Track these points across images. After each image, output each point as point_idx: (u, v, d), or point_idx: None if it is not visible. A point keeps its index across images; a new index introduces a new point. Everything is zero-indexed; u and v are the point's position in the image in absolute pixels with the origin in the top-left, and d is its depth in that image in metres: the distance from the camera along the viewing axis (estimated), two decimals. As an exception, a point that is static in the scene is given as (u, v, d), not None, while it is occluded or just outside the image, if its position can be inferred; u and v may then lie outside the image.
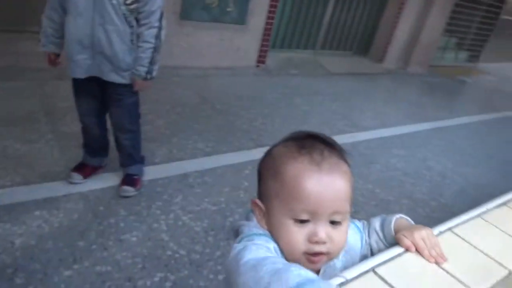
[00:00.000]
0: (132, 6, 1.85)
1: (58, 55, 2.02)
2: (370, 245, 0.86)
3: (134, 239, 1.95)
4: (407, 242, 0.77)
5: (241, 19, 4.60)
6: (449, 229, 0.92)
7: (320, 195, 0.65)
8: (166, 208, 2.18)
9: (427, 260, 0.75)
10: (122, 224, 2.02)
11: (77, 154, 2.38)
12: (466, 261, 0.82)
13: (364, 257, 0.83)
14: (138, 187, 2.25)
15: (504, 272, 0.82)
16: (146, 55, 1.93)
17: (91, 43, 1.86)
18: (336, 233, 0.68)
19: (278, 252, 0.68)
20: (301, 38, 5.75)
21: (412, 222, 0.85)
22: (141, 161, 2.30)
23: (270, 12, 4.77)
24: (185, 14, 4.16)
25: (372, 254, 0.85)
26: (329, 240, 0.67)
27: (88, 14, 1.80)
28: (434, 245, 0.77)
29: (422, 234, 0.78)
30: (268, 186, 0.70)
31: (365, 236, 0.86)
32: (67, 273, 1.69)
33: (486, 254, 0.85)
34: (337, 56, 6.21)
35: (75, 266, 1.73)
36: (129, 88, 2.02)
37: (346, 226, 0.70)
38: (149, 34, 1.91)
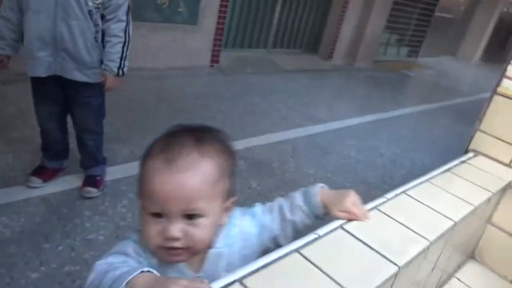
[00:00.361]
0: (99, 0, 1.82)
1: (9, 58, 1.92)
2: (293, 222, 0.85)
3: (101, 237, 1.94)
4: (345, 215, 0.82)
5: (192, 20, 4.63)
6: (403, 191, 1.04)
7: (166, 195, 0.66)
8: (132, 206, 2.18)
9: (362, 219, 0.83)
10: (88, 224, 2.00)
11: (33, 158, 2.31)
12: (418, 216, 0.94)
13: (272, 240, 0.84)
14: (101, 188, 2.23)
15: (450, 223, 0.95)
16: (116, 50, 1.89)
17: (53, 39, 1.81)
18: (193, 228, 0.68)
19: (139, 249, 0.71)
20: (252, 37, 5.87)
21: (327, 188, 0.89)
22: (103, 161, 2.28)
23: (221, 12, 4.83)
24: (138, 15, 4.11)
25: (297, 231, 0.86)
26: (184, 236, 0.67)
27: (50, 9, 1.76)
28: (360, 206, 0.84)
29: (352, 200, 0.83)
30: (139, 182, 0.71)
31: (267, 219, 0.85)
32: (34, 275, 1.65)
33: (434, 210, 0.98)
34: (288, 54, 6.39)
35: (42, 268, 1.69)
36: (94, 89, 1.97)
37: (209, 221, 0.70)
38: (116, 28, 1.88)
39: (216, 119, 3.59)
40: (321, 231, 0.79)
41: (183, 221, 0.67)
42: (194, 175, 0.67)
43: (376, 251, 0.76)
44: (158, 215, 0.67)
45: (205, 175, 0.68)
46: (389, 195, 0.99)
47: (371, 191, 2.95)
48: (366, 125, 4.38)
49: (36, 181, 2.14)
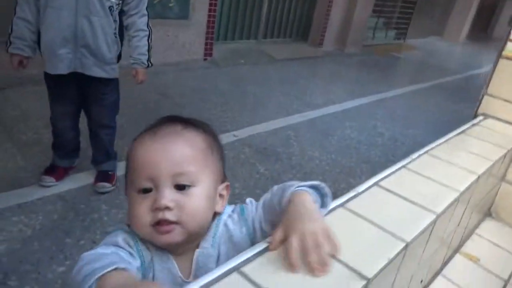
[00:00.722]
0: None
1: (28, 59, 1.90)
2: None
3: (121, 229, 1.97)
4: (276, 237, 0.58)
5: (183, 14, 4.62)
6: (426, 152, 1.09)
7: (154, 158, 0.63)
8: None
9: (291, 265, 0.54)
10: (106, 218, 2.03)
11: (43, 158, 2.32)
12: (448, 172, 0.99)
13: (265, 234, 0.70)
14: (114, 182, 2.25)
15: (474, 177, 1.00)
16: (143, 43, 1.96)
17: (74, 35, 1.81)
18: (185, 198, 0.64)
19: (130, 240, 0.66)
20: (243, 29, 5.88)
21: (318, 199, 0.67)
22: (115, 156, 2.30)
23: (211, 5, 4.83)
24: (128, 12, 4.10)
25: None
26: (176, 206, 0.63)
27: (71, 5, 1.76)
28: (316, 247, 0.55)
29: (306, 230, 0.55)
30: (127, 171, 0.69)
31: (255, 215, 0.72)
32: (60, 269, 1.68)
33: (457, 165, 1.03)
34: (279, 44, 6.42)
35: (67, 262, 1.72)
36: (112, 85, 2.01)
37: (201, 190, 0.65)
38: (142, 22, 1.94)
39: (216, 111, 3.62)
40: (359, 188, 0.84)
41: (174, 191, 0.63)
42: (181, 140, 0.66)
43: (414, 203, 0.81)
44: (146, 190, 0.64)
45: (191, 141, 0.67)
46: (415, 155, 1.04)
47: (375, 169, 3.01)
48: (363, 107, 4.44)
49: (49, 180, 2.16)
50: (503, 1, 11.86)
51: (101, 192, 2.18)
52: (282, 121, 3.65)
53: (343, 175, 2.87)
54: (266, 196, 0.74)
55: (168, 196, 0.63)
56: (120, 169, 2.39)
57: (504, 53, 1.39)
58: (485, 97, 1.46)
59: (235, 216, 0.74)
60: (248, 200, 0.76)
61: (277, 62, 5.74)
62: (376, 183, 0.86)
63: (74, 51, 1.85)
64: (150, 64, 2.04)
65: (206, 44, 5.02)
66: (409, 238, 0.68)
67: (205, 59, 5.07)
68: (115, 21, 1.89)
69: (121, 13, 1.92)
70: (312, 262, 0.53)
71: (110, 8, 1.84)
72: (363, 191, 0.82)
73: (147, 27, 1.99)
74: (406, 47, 8.49)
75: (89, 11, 1.80)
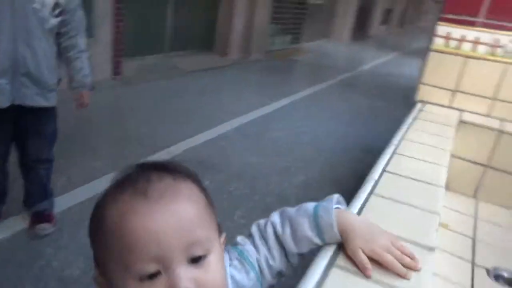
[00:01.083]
0: (59, 18, 1.67)
1: None
2: (299, 254, 0.66)
3: (77, 271, 1.77)
4: (363, 262, 0.59)
5: (88, 33, 4.32)
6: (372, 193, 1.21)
7: (157, 234, 0.47)
8: (96, 232, 2.02)
9: (401, 275, 0.59)
10: (56, 263, 1.81)
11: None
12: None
13: (277, 274, 0.66)
14: (54, 223, 2.02)
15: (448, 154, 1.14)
16: (85, 65, 1.83)
17: (13, 64, 1.58)
18: (204, 273, 0.50)
19: None
20: (150, 43, 5.71)
21: (345, 207, 0.70)
22: (51, 193, 2.06)
23: (116, 21, 4.61)
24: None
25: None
26: (197, 286, 0.48)
27: (8, 31, 1.53)
28: (402, 250, 0.61)
29: (383, 244, 0.60)
30: (98, 249, 0.52)
31: (259, 256, 0.65)
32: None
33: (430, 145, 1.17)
34: (187, 56, 6.37)
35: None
36: (51, 114, 1.83)
37: (215, 257, 0.52)
38: (82, 42, 1.82)
39: (143, 129, 3.46)
40: (357, 201, 0.90)
41: (189, 267, 0.49)
42: (182, 198, 0.51)
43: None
44: (153, 276, 0.47)
45: (192, 196, 0.53)
46: (385, 156, 1.15)
47: (311, 166, 3.18)
48: (280, 109, 4.66)
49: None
50: (375, 5, 13.44)
51: (42, 234, 1.94)
52: (212, 132, 3.64)
53: (282, 177, 2.96)
54: (268, 229, 0.66)
55: (185, 275, 0.48)
56: (58, 205, 2.15)
57: (433, 46, 1.61)
58: (421, 85, 1.67)
59: (236, 263, 0.64)
60: (239, 239, 0.68)
61: (188, 75, 5.70)
62: (372, 193, 0.85)
63: (12, 81, 1.62)
64: (92, 87, 1.93)
65: (114, 62, 4.76)
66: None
67: (114, 78, 4.81)
68: (55, 43, 1.72)
69: (58, 34, 1.74)
70: (409, 263, 0.60)
71: (50, 30, 1.67)
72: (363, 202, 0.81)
73: (86, 47, 1.87)
74: (302, 51, 9.10)
75: (29, 36, 1.60)
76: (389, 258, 0.59)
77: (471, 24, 1.52)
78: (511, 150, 1.43)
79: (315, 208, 0.65)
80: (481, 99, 1.56)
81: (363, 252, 0.60)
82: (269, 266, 0.64)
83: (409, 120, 1.40)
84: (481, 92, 1.55)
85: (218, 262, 0.52)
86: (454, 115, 1.53)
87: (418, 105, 1.63)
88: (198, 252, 0.50)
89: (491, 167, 1.48)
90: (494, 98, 1.54)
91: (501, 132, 1.44)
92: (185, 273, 0.48)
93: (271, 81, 6.28)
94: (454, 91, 1.59)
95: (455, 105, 1.60)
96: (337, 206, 0.66)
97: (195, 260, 0.49)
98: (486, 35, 1.49)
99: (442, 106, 1.62)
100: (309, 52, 9.23)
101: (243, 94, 5.19)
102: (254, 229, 0.68)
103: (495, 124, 1.48)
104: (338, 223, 0.62)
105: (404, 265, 0.60)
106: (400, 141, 1.16)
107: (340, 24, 11.56)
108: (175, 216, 0.49)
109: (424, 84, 1.65)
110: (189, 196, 0.52)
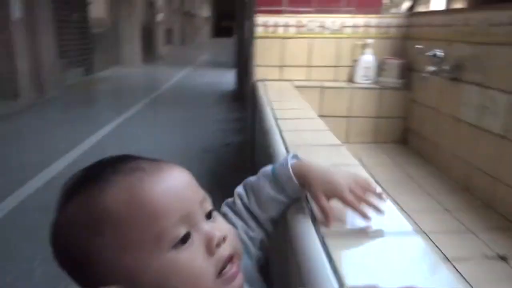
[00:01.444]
0: None
1: None
2: (270, 219, 0.66)
3: None
4: (325, 206, 0.58)
5: None
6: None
7: (177, 191, 0.49)
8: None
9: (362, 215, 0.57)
10: None
11: None
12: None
13: (260, 243, 0.66)
14: None
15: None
16: None
17: None
18: (222, 225, 0.53)
19: None
20: None
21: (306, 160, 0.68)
22: None
23: None
24: None
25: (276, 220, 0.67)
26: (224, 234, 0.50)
27: None
28: (365, 190, 0.60)
29: (343, 183, 0.59)
30: (102, 252, 0.46)
31: (243, 221, 0.66)
32: None
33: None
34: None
35: None
36: None
37: (216, 212, 0.55)
38: None
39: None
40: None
41: (209, 222, 0.51)
42: (173, 167, 0.53)
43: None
44: (185, 238, 0.47)
45: (183, 171, 0.54)
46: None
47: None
48: (96, 147, 4.50)
49: None
50: (157, 27, 14.00)
51: None
52: (46, 173, 3.27)
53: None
54: (237, 202, 0.67)
55: (215, 226, 0.50)
56: None
57: (256, 35, 1.98)
58: (255, 67, 2.03)
59: None
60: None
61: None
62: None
63: None
64: None
65: None
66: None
67: None
68: None
69: None
70: (372, 202, 0.59)
71: None
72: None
73: None
74: (98, 80, 8.78)
75: None
76: (351, 198, 0.57)
77: (279, 12, 1.95)
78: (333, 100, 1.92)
79: (273, 168, 0.66)
80: (301, 69, 2.02)
81: (325, 195, 0.59)
82: (251, 238, 0.64)
83: (260, 91, 1.71)
84: (299, 63, 2.00)
85: (220, 216, 0.56)
86: (289, 84, 1.94)
87: (258, 84, 1.97)
88: (209, 207, 0.52)
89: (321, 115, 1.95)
90: (309, 66, 2.02)
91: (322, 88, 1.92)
92: (211, 224, 0.50)
93: (77, 117, 5.85)
94: (281, 67, 2.00)
95: (284, 77, 2.02)
96: (293, 161, 0.67)
97: (209, 216, 0.52)
98: (292, 19, 1.95)
99: (275, 80, 2.01)
100: (106, 81, 8.97)
101: (60, 134, 4.73)
102: (225, 208, 0.68)
103: (316, 84, 1.96)
104: (296, 174, 0.63)
105: (366, 204, 0.58)
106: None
107: (129, 49, 11.62)
108: (180, 178, 0.51)
109: (258, 66, 2.01)
110: (176, 165, 0.54)
